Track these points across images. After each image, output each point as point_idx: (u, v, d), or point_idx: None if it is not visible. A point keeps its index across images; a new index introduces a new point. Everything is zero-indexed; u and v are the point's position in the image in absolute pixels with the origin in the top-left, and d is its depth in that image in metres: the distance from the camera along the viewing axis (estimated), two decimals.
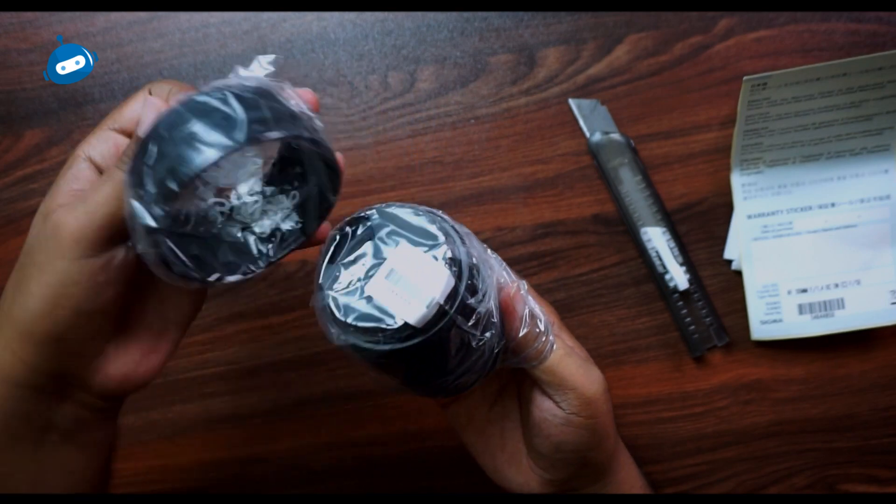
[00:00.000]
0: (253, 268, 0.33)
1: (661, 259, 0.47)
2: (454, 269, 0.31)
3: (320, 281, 0.31)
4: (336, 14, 0.49)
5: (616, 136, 0.47)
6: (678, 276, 0.47)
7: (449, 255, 0.31)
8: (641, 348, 0.48)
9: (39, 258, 0.29)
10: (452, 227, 0.32)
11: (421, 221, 0.32)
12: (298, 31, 0.49)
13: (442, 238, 0.31)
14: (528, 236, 0.49)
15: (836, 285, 0.47)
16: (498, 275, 0.35)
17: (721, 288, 0.48)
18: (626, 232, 0.48)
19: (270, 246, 0.34)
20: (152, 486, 0.50)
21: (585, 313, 0.48)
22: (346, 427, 0.49)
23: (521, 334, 0.35)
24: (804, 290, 0.47)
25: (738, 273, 0.48)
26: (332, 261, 0.32)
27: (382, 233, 0.32)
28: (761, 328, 0.47)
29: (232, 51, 0.49)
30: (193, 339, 0.50)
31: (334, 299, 0.31)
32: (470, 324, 0.31)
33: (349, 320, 0.30)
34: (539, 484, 0.39)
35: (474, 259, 0.32)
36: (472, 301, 0.31)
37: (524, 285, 0.35)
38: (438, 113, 0.49)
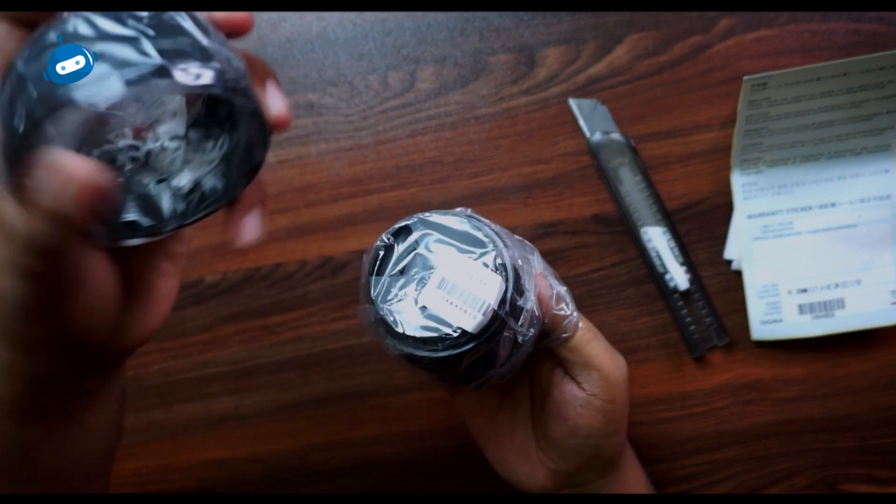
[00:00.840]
0: (161, 229, 0.28)
1: (661, 259, 0.47)
2: (504, 273, 0.31)
3: (371, 294, 0.32)
4: (336, 14, 0.49)
5: (616, 135, 0.47)
6: (678, 276, 0.47)
7: (499, 260, 0.31)
8: (641, 348, 0.48)
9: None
10: (492, 229, 0.33)
11: (465, 227, 0.32)
12: (298, 31, 0.49)
13: (489, 244, 0.32)
14: (528, 236, 0.48)
15: (837, 285, 0.47)
16: (534, 266, 0.35)
17: (721, 288, 0.48)
18: (626, 232, 0.48)
19: (186, 204, 0.28)
20: (152, 486, 0.50)
21: (585, 313, 0.48)
22: (346, 427, 0.49)
23: (553, 315, 0.35)
24: (804, 290, 0.47)
25: (739, 273, 0.48)
26: (379, 272, 0.32)
27: (428, 242, 0.32)
28: (761, 328, 0.47)
29: None
30: (193, 339, 0.50)
31: (389, 312, 0.31)
32: (519, 324, 0.32)
33: (407, 332, 0.31)
34: (546, 475, 0.39)
35: (519, 260, 0.33)
36: (520, 302, 0.32)
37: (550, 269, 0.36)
38: (438, 113, 0.49)
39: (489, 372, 0.34)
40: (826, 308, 0.47)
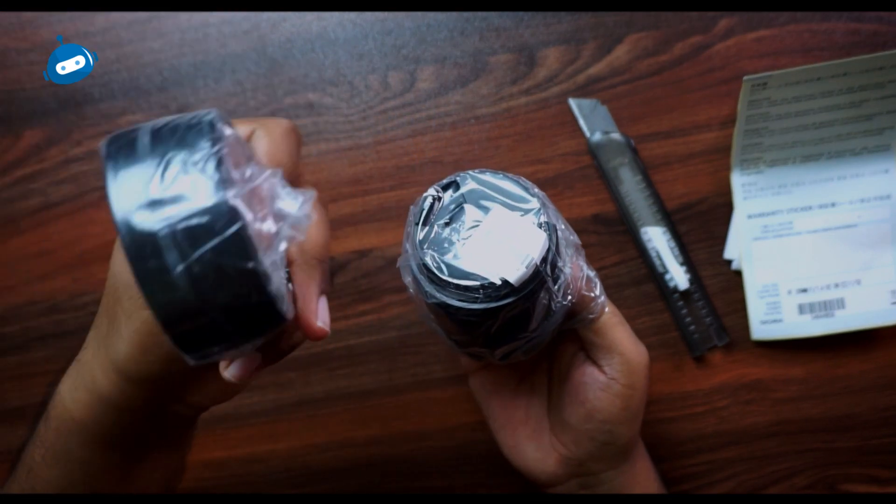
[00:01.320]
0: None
1: (661, 259, 0.47)
2: (548, 232, 0.32)
3: (417, 240, 0.32)
4: (336, 14, 0.49)
5: (616, 135, 0.47)
6: (678, 276, 0.47)
7: (544, 219, 0.32)
8: None
9: (127, 304, 0.28)
10: (539, 193, 0.33)
11: (513, 187, 0.33)
12: (298, 31, 0.49)
13: (537, 203, 0.32)
14: None
15: (837, 285, 0.47)
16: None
17: (721, 288, 0.48)
18: (626, 232, 0.48)
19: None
20: None
21: None
22: (346, 427, 0.49)
23: (581, 295, 0.36)
24: (804, 290, 0.47)
25: (739, 273, 0.48)
26: (425, 223, 0.33)
27: (476, 196, 0.33)
28: (761, 328, 0.47)
29: (232, 50, 0.49)
30: None
31: (433, 257, 0.32)
32: (556, 287, 0.33)
33: (449, 278, 0.31)
34: (556, 462, 0.39)
35: (561, 225, 0.34)
36: (560, 264, 0.33)
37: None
38: (438, 113, 0.49)
39: (520, 336, 0.34)
40: (826, 308, 0.47)
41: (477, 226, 0.32)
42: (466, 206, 0.33)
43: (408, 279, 0.33)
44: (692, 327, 0.48)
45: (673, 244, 0.47)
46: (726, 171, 0.48)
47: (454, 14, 0.48)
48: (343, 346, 0.49)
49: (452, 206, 0.33)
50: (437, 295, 0.32)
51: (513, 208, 0.32)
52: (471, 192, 0.33)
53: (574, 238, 0.35)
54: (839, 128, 0.46)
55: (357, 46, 0.49)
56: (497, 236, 0.32)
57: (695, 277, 0.48)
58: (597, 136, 0.48)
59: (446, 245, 0.32)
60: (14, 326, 0.50)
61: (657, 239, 0.47)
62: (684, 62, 0.48)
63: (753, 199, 0.47)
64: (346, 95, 0.49)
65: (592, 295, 0.36)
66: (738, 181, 0.47)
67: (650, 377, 0.39)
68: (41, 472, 0.33)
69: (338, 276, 0.49)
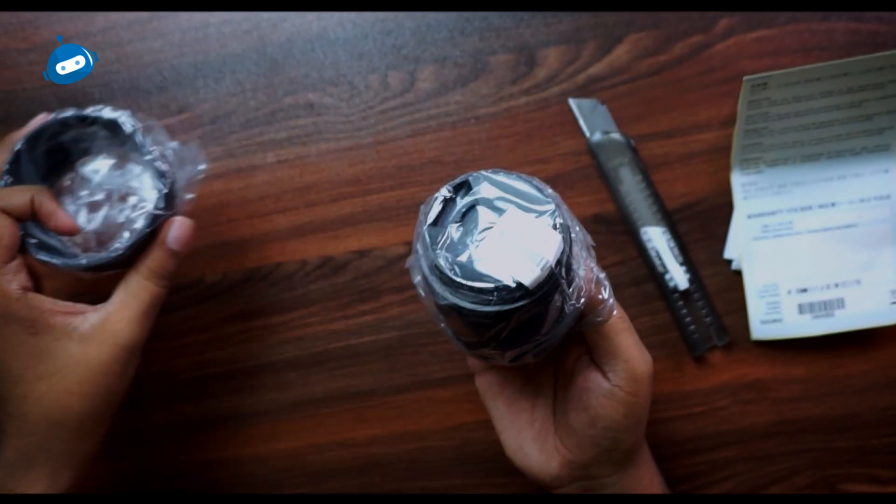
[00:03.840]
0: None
1: (661, 259, 0.47)
2: (563, 234, 0.31)
3: (427, 240, 0.31)
4: (336, 14, 0.49)
5: (616, 135, 0.47)
6: (678, 276, 0.47)
7: (559, 220, 0.31)
8: None
9: None
10: (552, 195, 0.33)
11: (527, 188, 0.32)
12: (298, 31, 0.49)
13: (552, 204, 0.32)
14: None
15: (837, 285, 0.47)
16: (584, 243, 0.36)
17: (721, 288, 0.48)
18: (626, 232, 0.48)
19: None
20: (153, 486, 0.50)
21: None
22: (346, 427, 0.49)
23: (590, 297, 0.35)
24: (804, 290, 0.47)
25: (738, 273, 0.48)
26: (436, 223, 0.32)
27: (489, 197, 0.32)
28: (761, 328, 0.47)
29: (232, 50, 0.49)
30: (193, 339, 0.50)
31: (445, 258, 0.31)
32: (570, 290, 0.32)
33: (462, 280, 0.30)
34: (560, 465, 0.39)
35: (577, 227, 0.33)
36: (574, 266, 0.32)
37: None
38: (438, 113, 0.49)
39: (532, 338, 0.34)
40: (826, 308, 0.47)
41: (491, 227, 0.31)
42: (480, 207, 0.32)
43: (417, 279, 0.33)
44: (692, 327, 0.48)
45: (673, 244, 0.47)
46: (726, 170, 0.48)
47: (454, 14, 0.48)
48: (343, 345, 0.49)
49: (465, 207, 0.32)
50: (449, 297, 0.31)
51: (527, 209, 0.32)
52: (484, 192, 0.32)
53: (587, 239, 0.35)
54: (839, 128, 0.46)
55: (357, 46, 0.49)
56: (511, 238, 0.31)
57: (695, 277, 0.48)
58: (597, 136, 0.48)
59: (459, 246, 0.31)
60: None
61: (657, 239, 0.47)
62: (684, 62, 0.48)
63: (753, 199, 0.47)
64: (346, 95, 0.49)
65: (602, 297, 0.36)
66: (738, 181, 0.47)
67: (653, 384, 0.38)
68: None
69: (338, 275, 0.49)
